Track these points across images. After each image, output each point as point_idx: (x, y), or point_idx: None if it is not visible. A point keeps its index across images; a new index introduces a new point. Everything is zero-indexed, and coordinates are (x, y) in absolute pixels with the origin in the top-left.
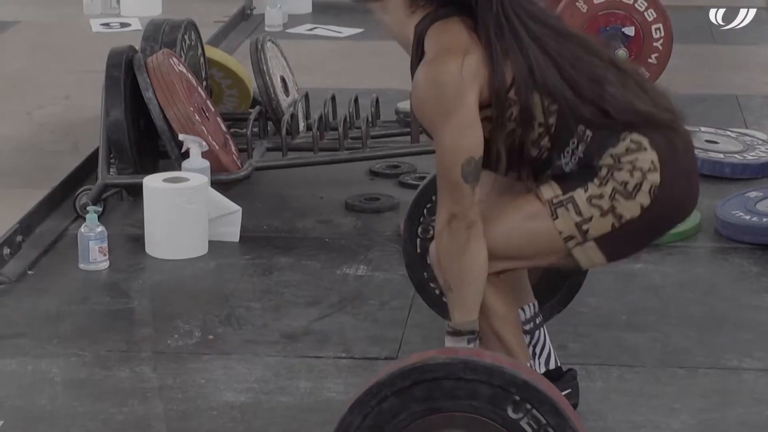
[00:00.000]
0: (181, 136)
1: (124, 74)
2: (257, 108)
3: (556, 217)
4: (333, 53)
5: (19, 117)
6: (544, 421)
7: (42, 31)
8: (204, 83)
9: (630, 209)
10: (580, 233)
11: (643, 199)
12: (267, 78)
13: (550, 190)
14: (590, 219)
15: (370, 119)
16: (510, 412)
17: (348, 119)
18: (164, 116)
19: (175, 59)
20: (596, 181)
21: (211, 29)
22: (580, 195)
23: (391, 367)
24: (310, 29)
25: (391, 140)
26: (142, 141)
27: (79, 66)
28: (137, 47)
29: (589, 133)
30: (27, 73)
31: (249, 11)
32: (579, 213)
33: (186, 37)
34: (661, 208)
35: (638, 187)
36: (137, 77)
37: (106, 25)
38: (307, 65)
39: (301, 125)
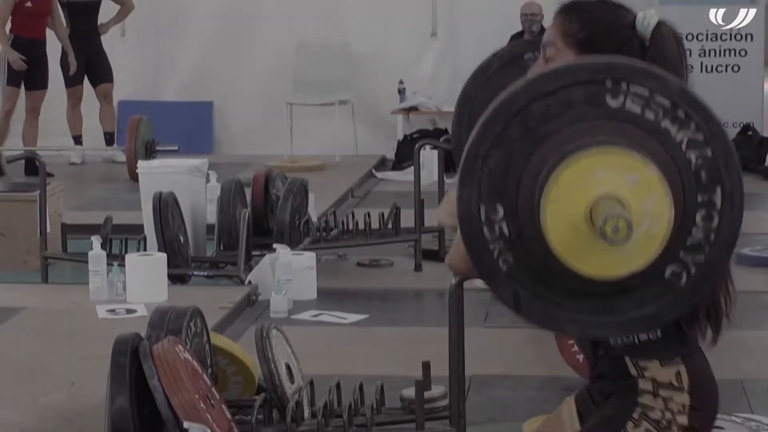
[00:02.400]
0: (185, 424)
1: (130, 361)
2: (262, 395)
3: None
4: (338, 339)
5: (24, 404)
6: (646, 92)
7: (48, 317)
8: (209, 370)
9: None
10: None
11: None
12: (272, 365)
13: None
14: None
15: (374, 406)
16: (610, 101)
17: (353, 406)
18: (169, 404)
19: (180, 346)
20: (629, 426)
21: (216, 315)
22: None
23: (477, 125)
24: (315, 315)
25: (396, 427)
26: (147, 428)
27: (85, 352)
28: (143, 334)
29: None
30: (32, 360)
31: (254, 297)
32: None
33: (191, 324)
34: None
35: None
36: (142, 365)
37: (112, 311)
38: (312, 352)
39: (306, 412)
